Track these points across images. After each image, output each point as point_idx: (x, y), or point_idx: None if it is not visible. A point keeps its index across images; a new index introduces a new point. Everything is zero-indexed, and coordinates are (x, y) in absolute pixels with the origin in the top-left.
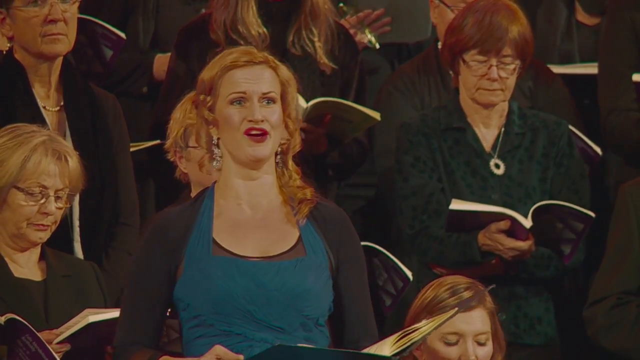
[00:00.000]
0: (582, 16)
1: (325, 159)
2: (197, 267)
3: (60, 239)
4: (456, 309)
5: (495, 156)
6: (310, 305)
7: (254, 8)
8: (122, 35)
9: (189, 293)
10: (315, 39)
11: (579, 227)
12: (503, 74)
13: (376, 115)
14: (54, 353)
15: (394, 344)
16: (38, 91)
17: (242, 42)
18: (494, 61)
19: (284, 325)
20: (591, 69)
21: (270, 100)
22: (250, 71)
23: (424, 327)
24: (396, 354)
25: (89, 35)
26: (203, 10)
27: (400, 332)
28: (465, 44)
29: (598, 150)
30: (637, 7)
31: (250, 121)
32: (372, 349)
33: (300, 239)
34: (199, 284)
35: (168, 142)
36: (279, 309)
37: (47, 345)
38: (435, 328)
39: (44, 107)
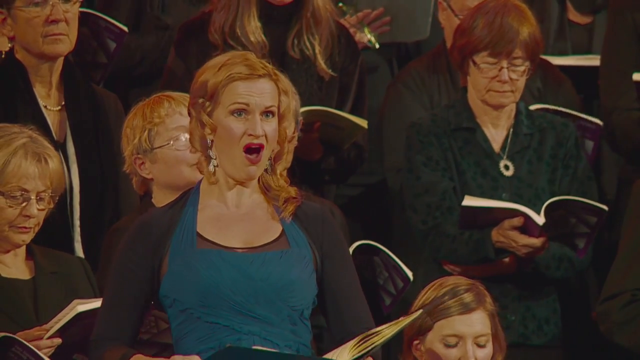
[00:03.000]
0: (573, 15)
1: (320, 165)
2: (182, 261)
3: (61, 239)
4: (420, 310)
5: (505, 157)
6: (295, 296)
7: (255, 15)
8: (125, 28)
9: (175, 288)
10: (316, 44)
11: (592, 220)
12: (514, 76)
13: (364, 123)
14: (45, 358)
15: (354, 348)
16: (39, 91)
17: (239, 48)
18: (504, 63)
19: (272, 316)
20: (587, 60)
21: (270, 114)
22: (253, 84)
23: (387, 330)
24: (356, 359)
25: (92, 28)
26: None
27: (361, 336)
28: (475, 46)
29: (598, 121)
30: (639, 7)
31: (251, 135)
32: (332, 354)
33: (283, 232)
34: (184, 277)
35: (127, 151)
36: (266, 299)
37: (37, 352)
38: (398, 331)
39: (45, 107)
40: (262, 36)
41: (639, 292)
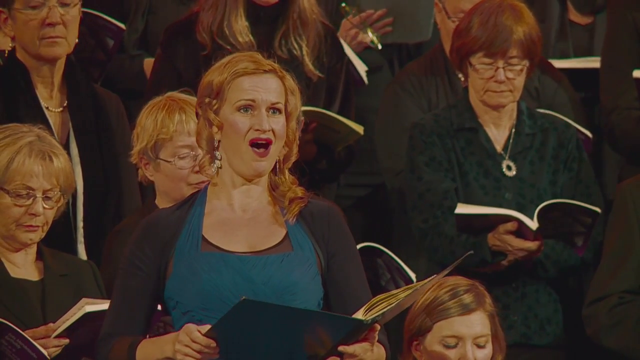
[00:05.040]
0: (574, 15)
1: (314, 166)
2: (185, 264)
3: (64, 240)
4: (434, 275)
5: (507, 157)
6: (297, 299)
7: (243, 15)
8: (122, 25)
9: (178, 290)
10: (303, 45)
11: (588, 220)
12: (510, 75)
13: (359, 129)
14: (38, 347)
15: (369, 309)
16: (41, 92)
17: (228, 47)
18: (500, 63)
19: None
20: (589, 63)
21: (277, 110)
22: (258, 79)
23: (401, 293)
24: (372, 320)
25: (89, 26)
26: None
27: (377, 298)
28: (471, 47)
29: (588, 133)
30: (639, 6)
31: (257, 130)
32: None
33: (287, 235)
34: (187, 279)
35: (135, 149)
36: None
37: (30, 340)
38: (410, 294)
39: (47, 108)
40: (250, 36)
41: (626, 294)
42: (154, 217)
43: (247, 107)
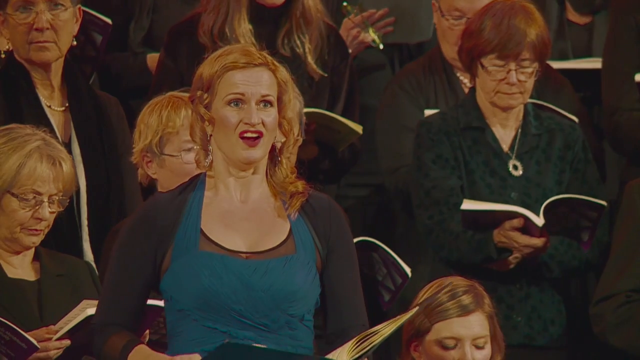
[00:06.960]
0: (572, 15)
1: (317, 165)
2: (184, 261)
3: (69, 239)
4: (417, 307)
5: (513, 157)
6: (296, 305)
7: (246, 17)
8: (109, 20)
9: (174, 286)
10: (306, 42)
11: (593, 215)
12: (522, 78)
13: (359, 128)
14: (28, 337)
15: (353, 348)
16: (42, 91)
17: None
18: (512, 65)
19: (269, 323)
20: (590, 63)
21: (268, 103)
22: (249, 73)
23: (385, 328)
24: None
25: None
26: None
27: (360, 336)
28: (483, 48)
29: (574, 118)
30: None
31: (247, 124)
32: (332, 355)
33: (290, 233)
34: (184, 278)
35: (138, 146)
36: (265, 308)
37: (19, 331)
38: (396, 329)
39: (49, 107)
40: (252, 39)
41: (633, 293)
42: (152, 205)
43: (237, 101)
